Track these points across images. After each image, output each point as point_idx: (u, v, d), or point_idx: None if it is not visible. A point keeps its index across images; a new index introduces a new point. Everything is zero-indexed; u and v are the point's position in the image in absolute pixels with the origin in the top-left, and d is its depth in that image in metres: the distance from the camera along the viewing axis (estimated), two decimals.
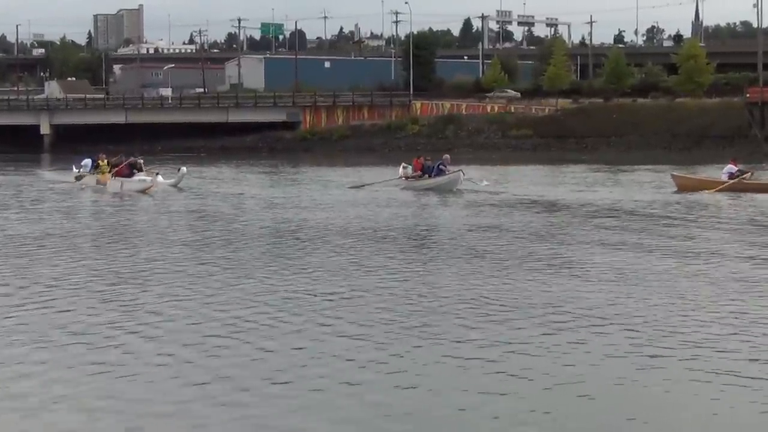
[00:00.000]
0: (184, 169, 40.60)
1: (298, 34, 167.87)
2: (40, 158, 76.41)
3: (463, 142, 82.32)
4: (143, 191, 36.89)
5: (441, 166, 37.29)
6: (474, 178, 38.86)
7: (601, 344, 11.51)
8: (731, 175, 34.90)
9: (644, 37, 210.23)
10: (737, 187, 33.91)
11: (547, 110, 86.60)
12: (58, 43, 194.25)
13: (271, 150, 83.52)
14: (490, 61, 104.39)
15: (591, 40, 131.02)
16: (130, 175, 39.24)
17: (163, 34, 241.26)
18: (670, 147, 74.58)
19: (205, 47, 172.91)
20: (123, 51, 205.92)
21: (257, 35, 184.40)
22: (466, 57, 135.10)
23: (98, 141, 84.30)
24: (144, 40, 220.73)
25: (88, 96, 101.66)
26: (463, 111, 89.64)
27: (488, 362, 10.71)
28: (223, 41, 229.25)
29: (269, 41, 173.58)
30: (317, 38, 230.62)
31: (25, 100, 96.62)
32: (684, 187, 35.47)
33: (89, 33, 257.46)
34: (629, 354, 11.03)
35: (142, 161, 41.34)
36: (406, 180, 38.26)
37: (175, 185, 39.12)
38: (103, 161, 41.15)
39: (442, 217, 27.70)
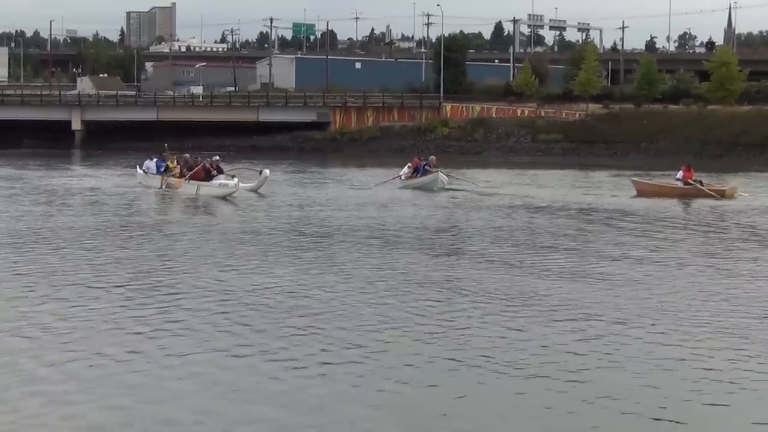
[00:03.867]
0: (266, 171, 35.85)
1: (330, 35, 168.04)
2: (71, 154, 77.01)
3: (492, 146, 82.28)
4: (225, 197, 32.70)
5: (426, 167, 39.82)
6: (472, 179, 42.00)
7: (615, 347, 11.64)
8: (685, 182, 36.15)
9: (676, 44, 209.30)
10: (691, 192, 35.10)
11: (577, 115, 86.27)
12: (91, 39, 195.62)
13: (301, 150, 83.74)
14: (521, 65, 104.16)
15: (623, 45, 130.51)
16: (207, 177, 34.48)
17: (195, 32, 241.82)
18: (701, 154, 74.01)
19: (237, 46, 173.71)
20: (155, 48, 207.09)
21: (289, 35, 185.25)
22: (497, 60, 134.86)
23: (129, 138, 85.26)
24: (176, 38, 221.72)
25: (119, 93, 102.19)
26: (493, 114, 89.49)
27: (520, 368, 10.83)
28: (254, 40, 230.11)
29: (300, 41, 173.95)
30: (348, 39, 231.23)
31: (57, 96, 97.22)
32: (643, 191, 36.72)
33: (122, 30, 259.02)
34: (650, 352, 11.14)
35: (219, 159, 36.51)
36: (403, 179, 40.68)
37: (255, 190, 34.88)
38: (173, 162, 37.30)
39: (408, 215, 28.36)
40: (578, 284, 15.90)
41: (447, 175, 39.84)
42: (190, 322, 12.67)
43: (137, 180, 39.68)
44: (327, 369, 10.49)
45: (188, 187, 34.54)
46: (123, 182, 41.33)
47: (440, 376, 10.29)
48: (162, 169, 37.65)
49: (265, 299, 14.33)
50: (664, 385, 10.05)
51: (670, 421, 9.09)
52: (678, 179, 36.63)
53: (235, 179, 34.04)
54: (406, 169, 41.42)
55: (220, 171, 35.14)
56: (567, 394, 9.71)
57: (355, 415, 9.13)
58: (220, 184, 33.70)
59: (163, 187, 36.15)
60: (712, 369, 10.70)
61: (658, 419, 9.09)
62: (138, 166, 40.72)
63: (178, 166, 36.78)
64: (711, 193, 35.02)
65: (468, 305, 13.97)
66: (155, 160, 39.16)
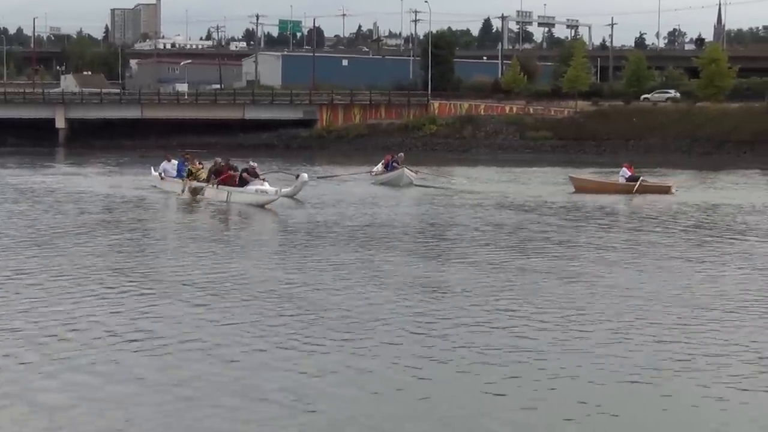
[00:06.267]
0: (304, 175, 31.49)
1: (316, 32, 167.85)
2: (54, 152, 76.74)
3: (480, 143, 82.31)
4: (262, 206, 29.35)
5: (395, 164, 40.95)
6: (447, 177, 43.90)
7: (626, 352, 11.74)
8: (627, 179, 36.58)
9: (665, 40, 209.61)
10: (631, 189, 35.49)
11: (566, 112, 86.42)
12: (75, 37, 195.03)
13: (287, 148, 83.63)
14: (509, 62, 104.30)
15: (612, 42, 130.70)
16: (239, 182, 31.31)
17: (181, 29, 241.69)
18: (690, 151, 74.35)
19: (223, 43, 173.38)
20: (139, 46, 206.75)
21: (275, 32, 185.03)
22: (485, 57, 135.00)
23: (113, 136, 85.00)
24: (161, 35, 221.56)
25: (103, 90, 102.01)
26: (482, 111, 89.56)
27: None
28: (240, 37, 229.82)
29: (287, 38, 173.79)
30: (335, 36, 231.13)
31: (41, 94, 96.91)
32: (581, 188, 37.00)
33: (106, 27, 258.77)
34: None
35: (256, 165, 32.86)
36: (373, 175, 41.67)
37: (292, 195, 31.12)
38: (195, 165, 33.85)
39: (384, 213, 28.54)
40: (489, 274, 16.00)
41: (415, 173, 41.08)
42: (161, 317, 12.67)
43: (152, 184, 36.88)
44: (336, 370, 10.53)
45: (217, 193, 31.31)
46: (136, 186, 37.76)
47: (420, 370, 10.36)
48: (183, 173, 34.11)
49: (276, 299, 14.37)
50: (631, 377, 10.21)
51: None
52: (623, 176, 36.92)
53: (266, 183, 30.95)
54: (380, 166, 42.43)
55: (255, 176, 31.63)
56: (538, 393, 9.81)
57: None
58: (257, 191, 30.23)
59: (186, 192, 32.76)
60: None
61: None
62: (153, 168, 38.17)
63: (202, 169, 33.53)
64: (654, 189, 35.79)
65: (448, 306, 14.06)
66: (174, 162, 35.96)
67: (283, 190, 30.45)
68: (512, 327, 12.61)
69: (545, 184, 40.23)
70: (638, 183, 35.86)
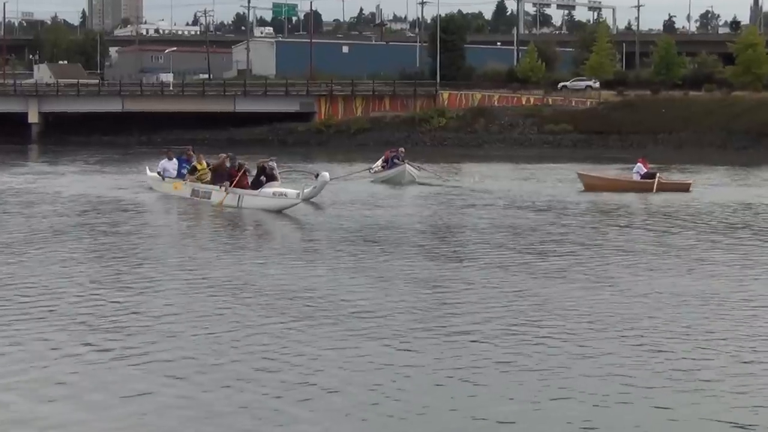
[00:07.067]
0: (325, 174, 29.16)
1: (314, 16, 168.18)
2: (27, 150, 76.79)
3: (494, 137, 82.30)
4: (279, 211, 27.92)
5: (396, 160, 40.91)
6: (457, 176, 43.43)
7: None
8: (642, 176, 36.41)
9: (697, 24, 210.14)
10: (648, 186, 35.42)
11: (588, 103, 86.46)
12: (49, 22, 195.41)
13: (282, 143, 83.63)
14: (525, 48, 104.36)
15: (638, 26, 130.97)
16: (257, 185, 29.38)
17: (165, 13, 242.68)
18: (726, 145, 74.24)
19: (211, 29, 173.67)
20: (120, 32, 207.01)
21: (268, 16, 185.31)
22: (499, 43, 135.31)
23: (92, 131, 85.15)
24: (143, 20, 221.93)
25: (81, 81, 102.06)
26: (496, 102, 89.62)
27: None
28: (230, 23, 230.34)
29: (281, 23, 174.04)
30: (334, 20, 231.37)
31: (12, 86, 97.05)
32: (591, 186, 36.58)
33: (83, 12, 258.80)
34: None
35: (274, 163, 30.78)
36: (372, 173, 41.77)
37: (310, 198, 28.92)
38: (201, 163, 32.34)
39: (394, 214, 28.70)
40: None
41: (418, 169, 41.17)
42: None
43: (148, 185, 35.45)
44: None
45: (226, 197, 29.61)
46: (119, 187, 37.13)
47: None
48: (185, 172, 32.76)
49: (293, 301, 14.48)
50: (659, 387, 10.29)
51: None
52: (638, 172, 36.81)
53: (278, 183, 29.58)
54: (379, 162, 42.60)
55: (272, 177, 29.69)
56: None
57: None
58: (274, 193, 28.44)
59: (187, 193, 31.59)
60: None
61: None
62: (148, 168, 37.02)
63: (207, 172, 31.78)
64: (672, 186, 35.92)
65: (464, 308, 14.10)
66: (175, 160, 34.18)
67: (305, 190, 28.37)
68: (543, 337, 12.70)
69: (563, 182, 40.23)
70: (656, 181, 35.77)
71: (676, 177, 41.20)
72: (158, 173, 34.64)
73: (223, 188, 29.74)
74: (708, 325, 13.44)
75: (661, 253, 20.27)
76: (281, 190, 28.70)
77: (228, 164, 30.70)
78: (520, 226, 25.06)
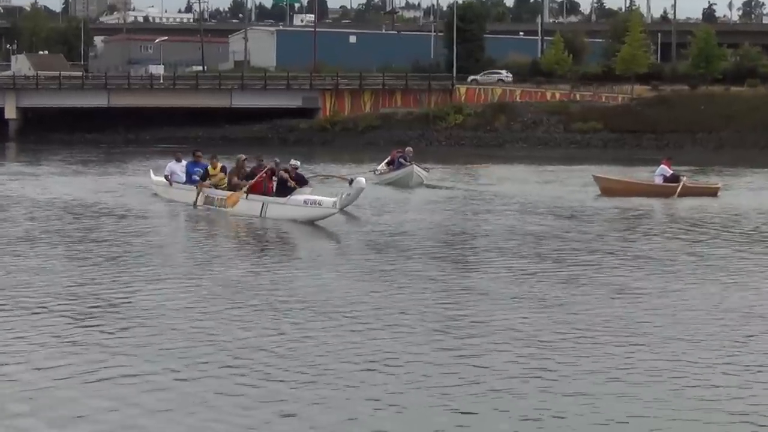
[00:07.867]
0: (361, 179, 27.50)
1: (318, 2, 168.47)
2: (4, 148, 77.03)
3: (516, 136, 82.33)
4: (312, 221, 26.44)
5: (401, 160, 40.96)
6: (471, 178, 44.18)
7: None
8: (666, 179, 36.31)
9: (740, 12, 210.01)
10: (671, 191, 35.17)
11: (620, 99, 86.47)
12: (28, 9, 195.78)
13: (283, 142, 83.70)
14: (551, 39, 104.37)
15: (675, 14, 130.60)
16: (282, 191, 27.82)
17: (155, 0, 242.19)
18: None
19: (205, 17, 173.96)
20: (106, 20, 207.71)
21: (268, 3, 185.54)
22: (521, 33, 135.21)
23: (75, 128, 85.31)
24: (131, 6, 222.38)
25: (62, 74, 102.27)
26: (518, 98, 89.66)
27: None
28: (226, 10, 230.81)
29: (283, 10, 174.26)
30: (341, 7, 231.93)
31: None
32: (608, 190, 36.54)
33: None
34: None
35: (298, 165, 29.56)
36: (377, 174, 41.43)
37: (342, 208, 26.69)
38: (216, 167, 30.50)
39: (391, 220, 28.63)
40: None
41: (426, 170, 41.50)
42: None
43: (153, 191, 34.40)
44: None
45: (247, 205, 28.06)
46: (108, 190, 36.40)
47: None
48: (196, 177, 30.88)
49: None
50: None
51: None
52: (661, 174, 36.70)
53: (309, 189, 28.29)
54: (383, 164, 42.76)
55: (302, 181, 28.36)
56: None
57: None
58: (305, 201, 26.78)
59: (199, 202, 29.90)
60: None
61: None
62: (152, 172, 36.00)
63: (224, 177, 30.15)
64: (698, 190, 35.80)
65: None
66: (184, 162, 32.40)
67: (342, 197, 26.46)
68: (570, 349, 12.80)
69: (587, 186, 40.32)
70: (681, 185, 35.57)
71: (712, 180, 40.98)
72: (165, 177, 32.89)
73: (242, 192, 28.20)
74: (740, 346, 13.28)
75: (677, 262, 20.23)
76: (314, 198, 26.96)
77: (247, 167, 29.41)
78: (526, 233, 25.05)
